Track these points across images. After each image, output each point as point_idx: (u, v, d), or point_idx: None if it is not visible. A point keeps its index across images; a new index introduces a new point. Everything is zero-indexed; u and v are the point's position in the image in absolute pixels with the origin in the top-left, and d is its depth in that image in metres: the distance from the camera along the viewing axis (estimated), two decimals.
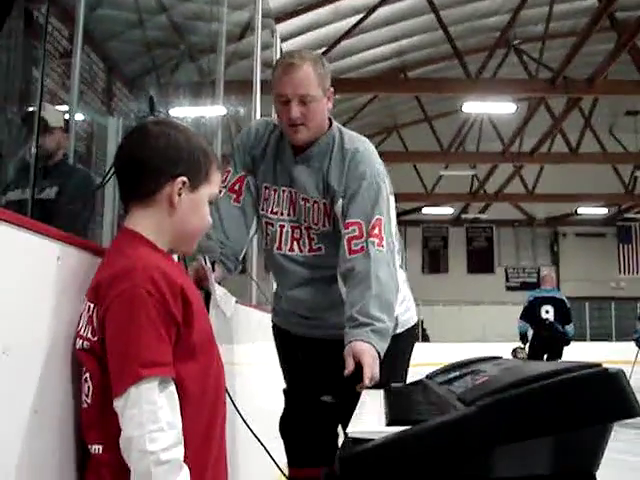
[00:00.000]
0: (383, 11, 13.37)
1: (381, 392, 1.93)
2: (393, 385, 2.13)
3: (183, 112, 6.94)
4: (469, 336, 21.68)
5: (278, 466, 1.90)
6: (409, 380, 2.32)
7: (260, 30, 5.39)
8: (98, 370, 1.49)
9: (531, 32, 15.56)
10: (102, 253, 1.76)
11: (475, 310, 24.47)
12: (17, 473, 1.41)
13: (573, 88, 13.25)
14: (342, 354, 2.19)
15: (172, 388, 1.47)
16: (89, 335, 1.51)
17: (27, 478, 1.44)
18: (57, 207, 3.49)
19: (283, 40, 8.57)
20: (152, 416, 1.41)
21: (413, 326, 2.69)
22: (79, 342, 1.54)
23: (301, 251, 2.46)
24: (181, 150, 1.62)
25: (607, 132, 21.69)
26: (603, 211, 24.55)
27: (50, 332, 1.54)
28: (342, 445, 1.35)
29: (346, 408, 1.85)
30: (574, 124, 17.32)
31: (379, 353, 2.18)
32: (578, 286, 23.42)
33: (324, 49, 13.57)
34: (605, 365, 1.33)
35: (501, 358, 2.04)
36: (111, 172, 2.78)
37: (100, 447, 1.49)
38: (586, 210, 24.19)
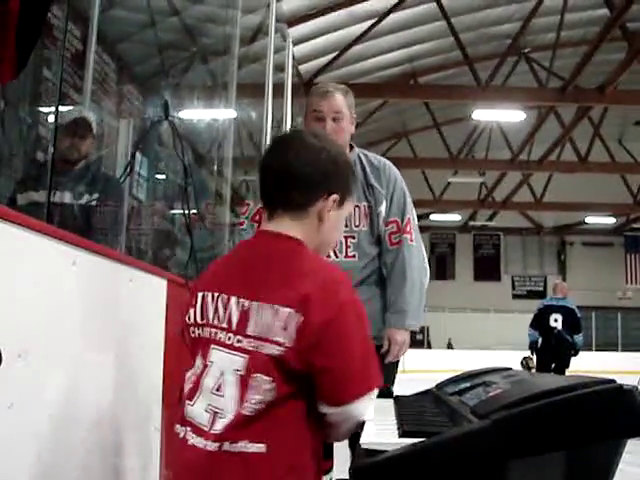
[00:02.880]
0: (395, 17, 13.38)
1: (392, 402, 1.93)
2: (404, 395, 2.13)
3: (194, 114, 6.94)
4: (475, 343, 21.65)
5: None
6: (419, 389, 2.32)
7: (273, 34, 5.40)
8: (282, 377, 1.47)
9: (542, 40, 15.54)
10: (117, 259, 1.77)
11: (481, 317, 24.44)
12: (28, 474, 1.42)
13: (583, 97, 13.23)
14: None
15: None
16: (285, 341, 1.47)
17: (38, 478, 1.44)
18: (97, 214, 3.47)
19: (295, 44, 8.59)
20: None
21: None
22: (267, 347, 1.48)
23: (337, 257, 2.73)
24: (337, 166, 1.65)
25: (616, 141, 21.68)
26: (611, 220, 24.52)
27: (66, 335, 1.54)
28: (355, 456, 1.35)
29: None
30: (583, 133, 17.29)
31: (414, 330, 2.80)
32: (585, 295, 23.32)
33: (336, 53, 13.59)
34: (614, 378, 1.33)
35: (511, 369, 2.03)
36: (125, 174, 2.79)
37: (263, 446, 1.46)
38: (594, 219, 24.18)
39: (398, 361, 2.91)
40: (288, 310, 1.48)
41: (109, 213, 3.53)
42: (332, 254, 2.67)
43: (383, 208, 2.81)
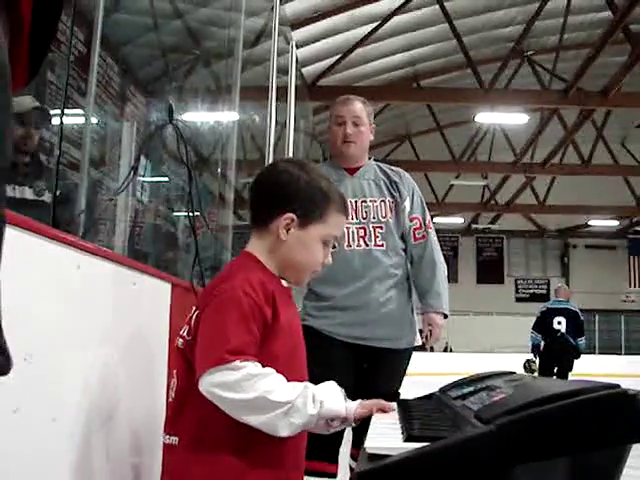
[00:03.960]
0: (398, 20, 13.39)
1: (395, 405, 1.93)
2: (407, 399, 2.13)
3: (198, 117, 6.95)
4: (478, 346, 21.62)
5: None
6: (422, 391, 2.32)
7: (277, 37, 5.40)
8: (183, 367, 1.63)
9: (545, 43, 15.55)
10: (120, 262, 1.77)
11: (484, 320, 24.40)
12: (34, 478, 1.42)
13: (586, 100, 13.22)
14: (377, 363, 2.98)
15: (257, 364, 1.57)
16: (185, 334, 1.65)
17: None
18: (61, 211, 3.32)
19: (298, 47, 8.59)
20: (244, 378, 1.52)
21: None
22: (178, 341, 1.68)
23: (367, 245, 3.03)
24: (298, 188, 1.74)
25: (619, 144, 21.64)
26: (614, 223, 24.49)
27: (71, 339, 1.54)
28: (359, 460, 1.35)
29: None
30: (586, 136, 17.28)
31: (445, 314, 3.10)
32: (588, 298, 23.29)
33: (338, 56, 13.59)
34: (618, 381, 1.33)
35: (514, 373, 2.03)
36: (128, 179, 2.80)
37: (176, 439, 1.60)
38: (597, 222, 24.14)
39: (407, 365, 3.13)
40: (194, 308, 1.68)
41: (69, 210, 3.42)
42: (362, 243, 3.02)
43: (407, 203, 3.12)
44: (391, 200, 3.10)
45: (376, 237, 3.04)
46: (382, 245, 3.04)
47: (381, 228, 3.05)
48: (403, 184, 3.14)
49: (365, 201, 3.08)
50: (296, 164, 1.82)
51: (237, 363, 1.51)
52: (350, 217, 2.97)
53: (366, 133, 3.13)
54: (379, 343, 2.99)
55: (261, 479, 1.58)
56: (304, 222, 1.73)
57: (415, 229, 3.13)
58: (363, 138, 3.13)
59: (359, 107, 3.14)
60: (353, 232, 3.04)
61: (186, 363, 1.62)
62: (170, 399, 1.66)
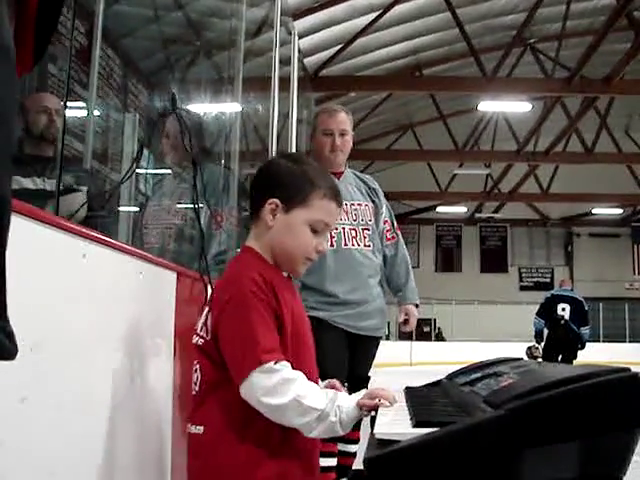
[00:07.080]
0: (399, 9, 13.34)
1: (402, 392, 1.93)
2: (414, 386, 2.13)
3: (200, 108, 6.93)
4: (482, 335, 21.63)
5: None
6: (428, 380, 2.33)
7: (279, 27, 5.38)
8: (207, 364, 1.69)
9: (547, 31, 15.50)
10: (127, 252, 1.77)
11: (488, 309, 24.40)
12: (41, 468, 1.42)
13: (589, 87, 13.18)
14: (363, 349, 3.32)
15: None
16: (203, 334, 1.71)
17: (44, 474, 1.44)
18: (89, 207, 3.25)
19: (299, 37, 8.55)
20: (280, 382, 1.58)
21: None
22: (195, 338, 1.74)
23: (358, 245, 3.34)
24: (282, 176, 1.79)
25: (623, 132, 21.60)
26: (618, 211, 24.47)
27: (76, 328, 1.54)
28: (368, 446, 1.34)
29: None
30: (590, 124, 17.24)
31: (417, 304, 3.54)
32: (592, 286, 23.32)
33: (340, 46, 13.55)
34: (623, 367, 1.32)
35: (521, 360, 2.03)
36: (131, 170, 2.79)
37: (202, 428, 1.67)
38: (601, 210, 24.12)
39: (377, 350, 3.47)
40: (207, 307, 1.75)
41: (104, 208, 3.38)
42: (355, 243, 3.32)
43: (384, 209, 3.49)
44: (372, 205, 3.45)
45: (365, 238, 3.36)
46: (370, 246, 3.37)
47: (368, 230, 3.37)
48: (379, 191, 3.52)
49: (353, 204, 3.38)
50: (287, 157, 1.90)
51: (272, 365, 1.58)
52: (343, 218, 3.30)
53: (350, 142, 3.45)
54: (369, 332, 3.35)
55: (276, 467, 1.63)
56: (288, 206, 1.76)
57: (387, 231, 3.52)
58: (348, 147, 3.44)
59: (344, 118, 3.42)
60: (347, 232, 3.35)
61: (208, 360, 1.68)
62: (194, 392, 1.72)
